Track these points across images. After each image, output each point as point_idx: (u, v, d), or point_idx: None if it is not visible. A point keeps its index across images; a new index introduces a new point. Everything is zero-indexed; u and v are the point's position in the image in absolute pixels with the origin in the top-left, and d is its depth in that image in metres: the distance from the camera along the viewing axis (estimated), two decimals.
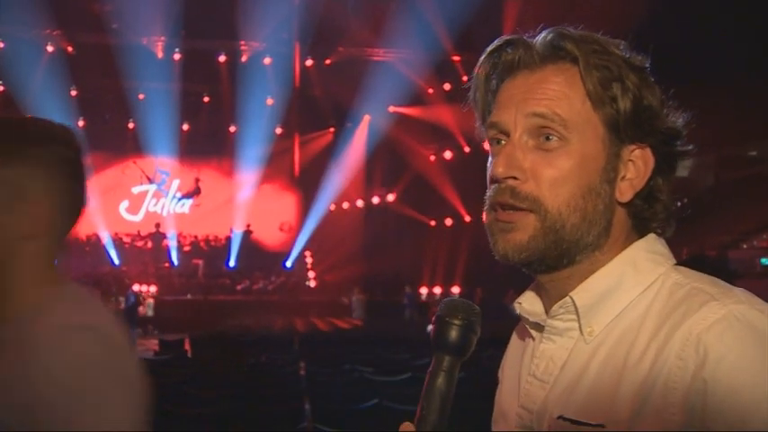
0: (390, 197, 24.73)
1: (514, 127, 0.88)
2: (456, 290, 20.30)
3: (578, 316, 0.88)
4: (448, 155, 22.71)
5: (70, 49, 21.77)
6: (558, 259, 0.88)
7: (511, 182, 0.87)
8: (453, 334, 0.86)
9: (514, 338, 1.04)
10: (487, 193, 0.90)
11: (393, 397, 5.02)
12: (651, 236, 0.91)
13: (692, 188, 23.64)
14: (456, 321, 0.86)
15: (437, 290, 21.41)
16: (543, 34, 0.90)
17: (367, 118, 24.03)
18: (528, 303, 0.95)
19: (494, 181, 0.89)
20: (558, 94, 0.87)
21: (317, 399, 5.56)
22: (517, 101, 0.88)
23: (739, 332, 0.75)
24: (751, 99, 16.89)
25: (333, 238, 22.93)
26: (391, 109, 23.13)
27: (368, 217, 24.66)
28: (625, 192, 0.88)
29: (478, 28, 18.06)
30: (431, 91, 21.90)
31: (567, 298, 0.88)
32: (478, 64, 0.94)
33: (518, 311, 0.96)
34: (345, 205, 24.86)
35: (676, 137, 0.90)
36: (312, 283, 23.10)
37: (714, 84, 15.58)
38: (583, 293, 0.88)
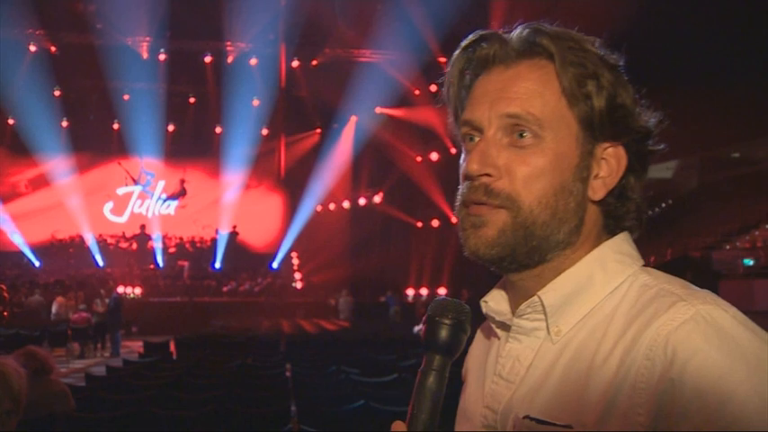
0: (377, 198, 24.71)
1: (488, 124, 0.88)
2: (443, 291, 20.32)
3: (546, 315, 0.87)
4: (434, 156, 22.73)
5: (53, 48, 21.56)
6: (529, 256, 0.87)
7: (485, 179, 0.87)
8: (443, 333, 0.86)
9: (479, 337, 1.03)
10: (460, 190, 0.89)
11: (379, 398, 5.02)
12: (620, 236, 0.90)
13: (675, 190, 23.85)
14: (446, 321, 0.86)
15: (424, 291, 21.43)
16: (519, 30, 0.89)
17: (353, 119, 24.02)
18: (494, 302, 0.95)
19: (467, 178, 0.88)
20: (532, 92, 0.86)
21: (303, 400, 5.55)
22: (491, 98, 0.88)
23: (707, 333, 0.74)
24: (733, 101, 17.06)
25: (319, 239, 22.89)
26: (378, 110, 23.13)
27: (354, 218, 24.63)
28: (598, 190, 0.88)
29: (465, 29, 18.09)
30: (417, 92, 21.93)
31: (535, 297, 0.88)
32: (452, 59, 0.93)
33: (484, 310, 0.95)
34: (332, 206, 24.82)
35: (648, 136, 0.89)
36: (298, 285, 23.03)
37: (697, 87, 15.72)
38: (551, 293, 0.87)
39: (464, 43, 0.92)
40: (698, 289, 0.82)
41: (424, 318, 0.89)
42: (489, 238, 0.87)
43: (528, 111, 0.85)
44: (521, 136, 0.86)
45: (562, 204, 0.86)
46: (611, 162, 0.88)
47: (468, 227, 0.88)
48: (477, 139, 0.89)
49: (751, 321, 0.77)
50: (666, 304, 0.78)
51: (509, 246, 0.86)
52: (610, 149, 0.88)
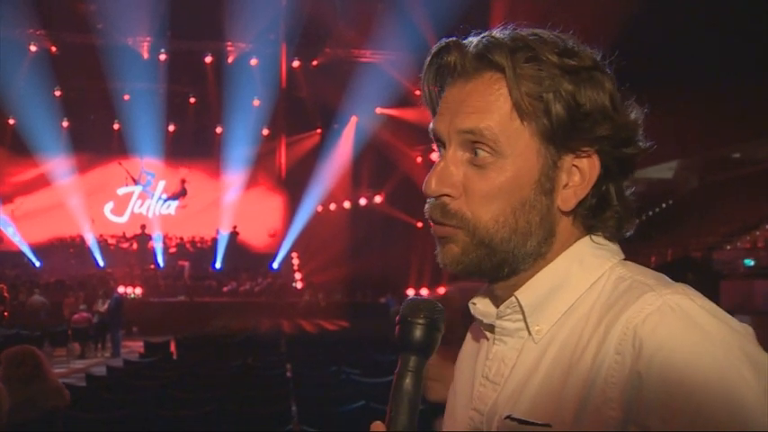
0: (377, 199, 24.70)
1: (449, 140, 0.88)
2: (442, 291, 20.31)
3: (524, 315, 0.87)
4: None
5: (54, 48, 21.57)
6: (497, 269, 0.87)
7: (444, 199, 0.87)
8: (417, 333, 0.86)
9: (469, 339, 1.03)
10: (426, 204, 0.89)
11: (380, 398, 5.01)
12: (598, 233, 0.89)
13: (676, 190, 23.85)
14: (419, 320, 0.86)
15: (424, 291, 21.40)
16: (476, 40, 0.88)
17: (354, 119, 24.02)
18: (482, 304, 0.94)
19: (427, 195, 0.88)
20: (487, 108, 0.84)
21: (303, 400, 5.55)
22: (451, 112, 0.88)
23: (674, 323, 0.73)
24: (734, 102, 17.06)
25: (320, 239, 22.87)
26: (378, 110, 23.12)
27: (355, 218, 24.62)
28: (568, 200, 0.85)
29: (465, 29, 18.11)
30: (418, 93, 21.85)
31: (513, 298, 0.87)
32: (425, 66, 0.93)
33: (472, 312, 0.95)
34: (332, 207, 24.81)
35: (627, 139, 0.85)
36: (299, 285, 23.03)
37: (698, 87, 15.72)
38: (528, 292, 0.87)
39: (433, 50, 0.91)
40: (672, 281, 0.81)
41: (396, 318, 0.88)
42: (454, 254, 0.87)
43: (482, 126, 0.84)
44: (476, 154, 0.85)
45: (523, 220, 0.85)
46: (583, 170, 0.85)
47: (438, 243, 0.90)
48: (443, 152, 0.90)
49: (721, 311, 0.76)
50: (635, 295, 0.78)
51: (474, 262, 0.87)
52: (581, 158, 0.85)
